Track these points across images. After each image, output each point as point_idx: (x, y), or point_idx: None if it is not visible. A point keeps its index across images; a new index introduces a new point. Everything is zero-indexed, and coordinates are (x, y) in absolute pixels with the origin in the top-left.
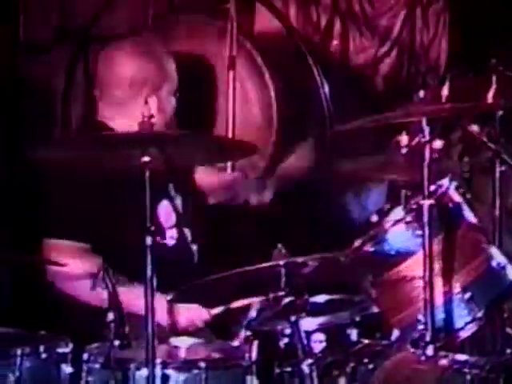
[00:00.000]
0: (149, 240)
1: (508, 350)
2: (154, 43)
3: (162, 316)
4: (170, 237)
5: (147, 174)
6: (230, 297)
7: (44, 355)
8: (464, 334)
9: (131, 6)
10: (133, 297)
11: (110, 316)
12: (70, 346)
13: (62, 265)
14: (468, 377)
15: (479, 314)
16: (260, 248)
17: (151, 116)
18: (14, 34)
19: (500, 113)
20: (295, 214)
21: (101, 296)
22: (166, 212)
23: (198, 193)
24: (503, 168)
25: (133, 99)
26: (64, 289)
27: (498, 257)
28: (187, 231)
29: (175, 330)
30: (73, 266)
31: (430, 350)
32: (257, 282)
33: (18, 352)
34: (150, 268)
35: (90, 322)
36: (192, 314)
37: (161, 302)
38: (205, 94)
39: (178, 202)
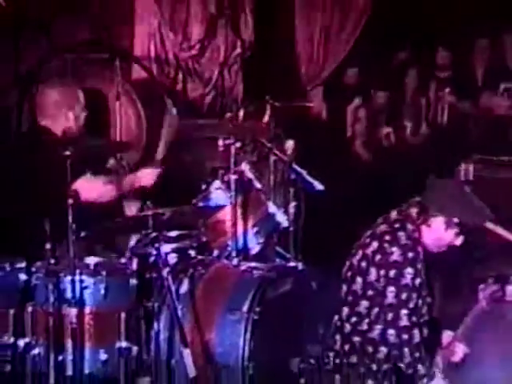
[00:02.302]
0: (70, 201)
1: (277, 260)
2: (70, 83)
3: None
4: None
5: (68, 162)
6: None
7: (8, 268)
8: (254, 251)
9: (60, 58)
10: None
11: (48, 246)
12: (24, 262)
13: None
14: (256, 275)
15: (261, 240)
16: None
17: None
18: None
19: (272, 126)
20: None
21: None
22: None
23: None
24: (275, 158)
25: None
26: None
27: (271, 207)
28: None
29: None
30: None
31: (235, 261)
32: (136, 224)
33: None
34: (70, 218)
35: (35, 249)
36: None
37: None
38: (103, 114)
39: None
